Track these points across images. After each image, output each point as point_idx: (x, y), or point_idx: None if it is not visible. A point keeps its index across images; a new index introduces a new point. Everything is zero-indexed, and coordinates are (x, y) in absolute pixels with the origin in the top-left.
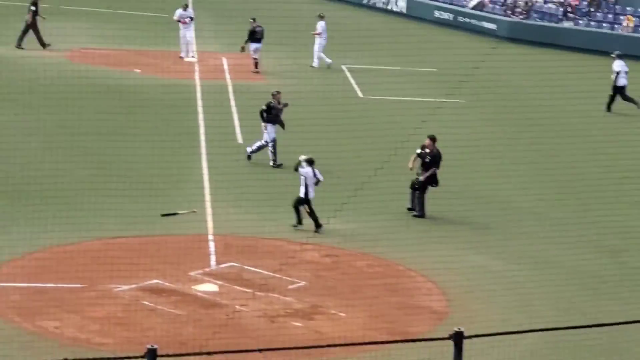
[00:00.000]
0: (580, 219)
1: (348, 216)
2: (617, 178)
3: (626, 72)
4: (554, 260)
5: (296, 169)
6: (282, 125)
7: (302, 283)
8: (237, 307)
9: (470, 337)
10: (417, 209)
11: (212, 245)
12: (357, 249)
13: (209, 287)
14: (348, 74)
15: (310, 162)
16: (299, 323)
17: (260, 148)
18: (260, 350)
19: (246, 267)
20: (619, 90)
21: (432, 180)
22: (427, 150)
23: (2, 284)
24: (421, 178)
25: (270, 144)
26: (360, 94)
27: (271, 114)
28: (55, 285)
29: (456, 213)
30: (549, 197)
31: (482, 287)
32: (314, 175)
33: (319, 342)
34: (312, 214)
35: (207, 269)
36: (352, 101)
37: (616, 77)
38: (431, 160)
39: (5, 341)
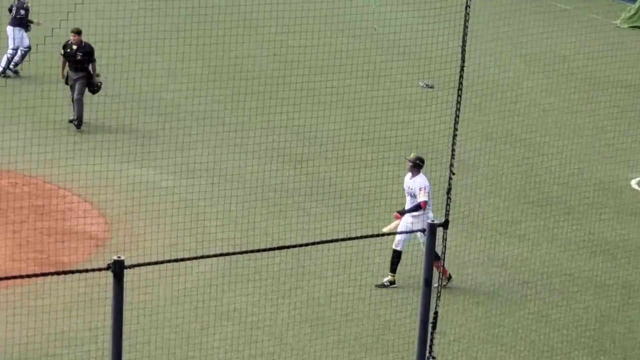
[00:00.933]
0: (259, 124)
1: None
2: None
3: None
4: (234, 172)
5: None
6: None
7: None
8: None
9: (132, 266)
10: (75, 114)
11: None
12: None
13: None
14: None
15: None
16: None
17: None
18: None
19: None
20: None
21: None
22: (75, 47)
23: None
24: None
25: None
26: None
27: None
28: None
29: (116, 120)
30: (224, 100)
31: (148, 207)
32: None
33: None
34: None
35: None
36: None
37: None
38: (85, 58)
39: None
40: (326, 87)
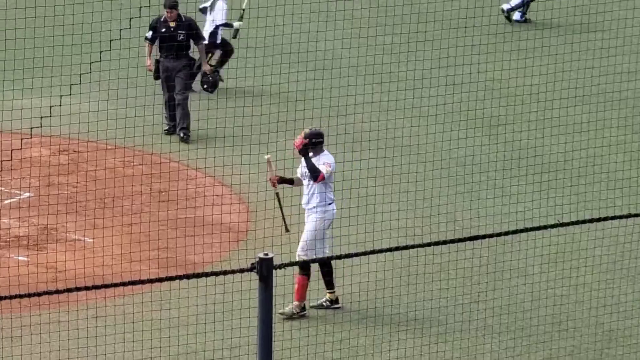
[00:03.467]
0: None
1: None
2: None
3: None
4: (410, 142)
5: None
6: None
7: (26, 195)
8: None
9: (282, 266)
10: (180, 122)
11: None
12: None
13: None
14: None
15: None
16: (23, 257)
17: None
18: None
19: None
20: None
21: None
22: (172, 25)
23: None
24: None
25: None
26: None
27: None
28: None
29: (252, 79)
30: (395, 49)
31: (297, 189)
32: None
33: (54, 284)
34: None
35: None
36: None
37: None
38: (187, 39)
39: None
40: (523, 30)
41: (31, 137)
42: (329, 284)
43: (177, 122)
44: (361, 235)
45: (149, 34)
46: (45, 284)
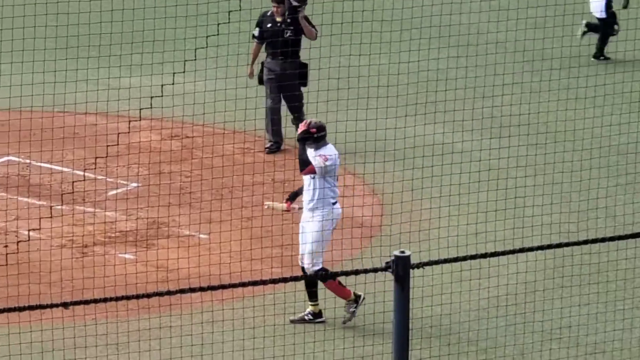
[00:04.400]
0: None
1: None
2: None
3: None
4: (565, 128)
5: None
6: None
7: (133, 185)
8: (22, 232)
9: (420, 265)
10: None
11: None
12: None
13: None
14: None
15: None
16: (130, 254)
17: None
18: (65, 305)
19: (35, 162)
20: None
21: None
22: (279, 21)
23: None
24: None
25: None
26: None
27: None
28: None
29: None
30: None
31: (436, 181)
32: None
33: (163, 284)
34: None
35: None
36: None
37: None
38: (297, 37)
39: None
40: None
41: (140, 120)
42: (312, 295)
43: (293, 120)
44: (508, 232)
45: (256, 31)
46: (155, 285)
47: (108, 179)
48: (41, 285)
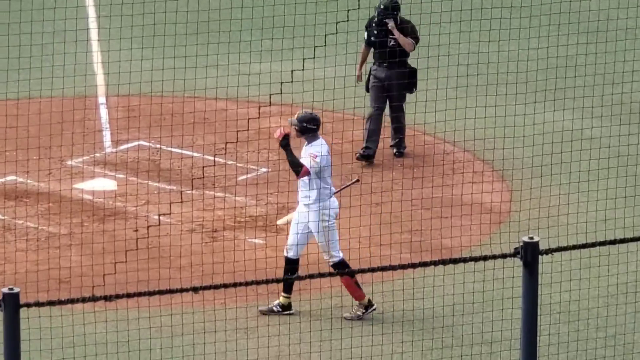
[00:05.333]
0: None
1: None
2: None
3: None
4: None
5: None
6: None
7: (263, 170)
8: (153, 216)
9: (549, 251)
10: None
11: (104, 112)
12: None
13: (101, 183)
14: None
15: None
16: (259, 239)
17: None
18: (195, 290)
19: (165, 147)
20: None
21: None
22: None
23: None
24: None
25: None
26: None
27: None
28: None
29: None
30: None
31: (565, 167)
32: None
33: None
34: None
35: (97, 154)
36: None
37: None
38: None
39: None
40: None
41: (270, 106)
42: (288, 287)
43: (391, 138)
44: (637, 219)
45: (365, 34)
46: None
47: (238, 164)
48: (171, 270)
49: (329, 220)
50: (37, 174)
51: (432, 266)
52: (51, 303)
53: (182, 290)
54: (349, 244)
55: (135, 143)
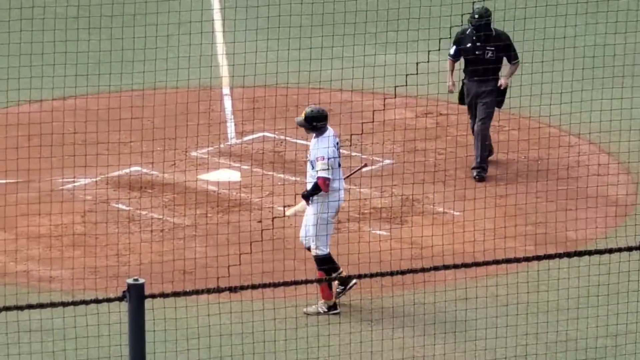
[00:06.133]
0: None
1: None
2: None
3: None
4: None
5: None
6: None
7: (387, 162)
8: (277, 207)
9: None
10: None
11: (228, 103)
12: None
13: (225, 175)
14: None
15: None
16: (383, 231)
17: None
18: (319, 282)
19: (289, 138)
20: None
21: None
22: (479, 39)
23: None
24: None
25: None
26: None
27: None
28: None
29: None
30: None
31: None
32: None
33: (417, 261)
34: None
35: (221, 145)
36: None
37: None
38: (499, 56)
39: None
40: None
41: (394, 98)
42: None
43: (475, 156)
44: None
45: (452, 49)
46: (408, 262)
47: (362, 156)
48: (295, 261)
49: (328, 212)
50: (162, 165)
51: (557, 259)
52: (176, 294)
53: (306, 282)
54: (474, 236)
55: (260, 134)
